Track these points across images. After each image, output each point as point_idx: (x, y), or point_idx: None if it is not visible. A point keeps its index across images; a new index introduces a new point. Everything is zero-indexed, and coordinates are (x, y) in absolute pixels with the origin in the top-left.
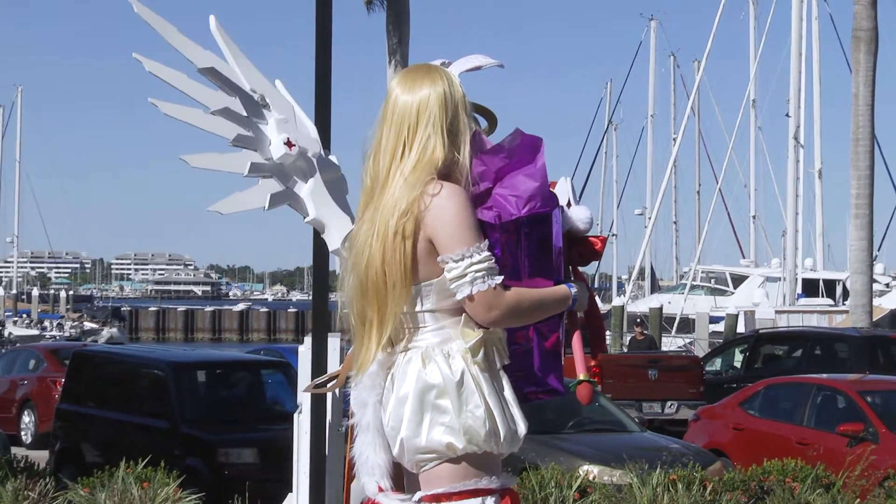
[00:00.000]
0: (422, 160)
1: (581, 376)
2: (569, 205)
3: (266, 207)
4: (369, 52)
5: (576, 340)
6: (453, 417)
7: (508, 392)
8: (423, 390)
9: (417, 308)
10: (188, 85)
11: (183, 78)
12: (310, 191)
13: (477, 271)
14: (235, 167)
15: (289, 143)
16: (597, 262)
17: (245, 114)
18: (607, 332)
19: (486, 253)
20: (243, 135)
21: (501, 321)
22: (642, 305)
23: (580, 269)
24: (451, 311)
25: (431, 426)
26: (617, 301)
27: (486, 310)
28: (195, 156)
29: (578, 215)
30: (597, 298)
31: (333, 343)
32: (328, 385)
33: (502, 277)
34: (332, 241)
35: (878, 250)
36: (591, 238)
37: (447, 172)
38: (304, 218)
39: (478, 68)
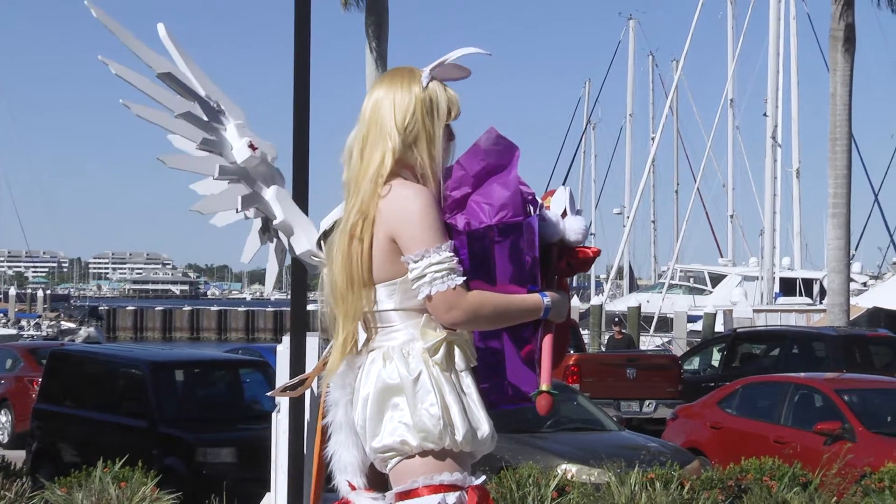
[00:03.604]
0: (379, 163)
1: (543, 387)
2: (564, 214)
3: (238, 209)
4: (349, 51)
5: (545, 350)
6: (408, 415)
7: (473, 393)
8: (383, 390)
9: (384, 307)
10: (153, 89)
11: (147, 82)
12: (274, 194)
13: (437, 271)
14: (208, 169)
15: (252, 146)
16: None
17: (206, 118)
18: (585, 332)
19: (447, 253)
20: (208, 138)
21: (462, 322)
22: (621, 304)
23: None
24: (419, 311)
25: (389, 424)
26: (595, 300)
27: (445, 310)
28: (172, 156)
29: (572, 226)
30: (575, 298)
31: (312, 342)
32: (298, 388)
33: (464, 279)
34: (300, 244)
35: (856, 249)
36: (582, 249)
37: (418, 174)
38: (273, 221)
39: (463, 73)
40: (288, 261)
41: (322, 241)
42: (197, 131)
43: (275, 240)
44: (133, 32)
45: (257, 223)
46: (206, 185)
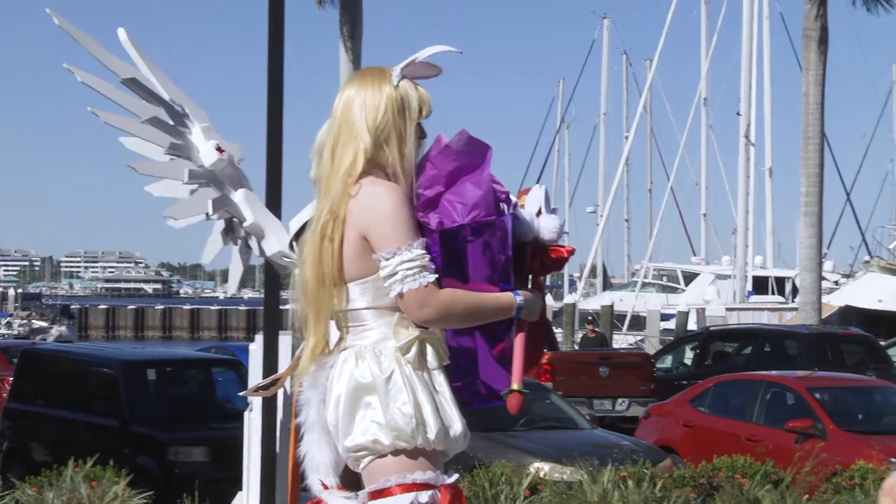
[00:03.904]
0: (350, 163)
1: (514, 386)
2: (539, 213)
3: (210, 212)
4: (324, 50)
5: (517, 348)
6: (380, 414)
7: (446, 391)
8: (355, 389)
9: (356, 306)
10: (118, 95)
11: (112, 88)
12: (243, 196)
13: (408, 269)
14: (177, 174)
15: (219, 149)
16: None
17: (172, 122)
18: (558, 330)
19: (419, 251)
20: (175, 143)
21: (434, 320)
22: (594, 303)
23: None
24: (391, 309)
25: (361, 423)
26: (569, 298)
27: (417, 308)
28: (142, 163)
29: (547, 224)
30: (549, 297)
31: (285, 341)
32: (270, 388)
33: (436, 276)
34: (271, 245)
35: (828, 248)
36: (556, 248)
37: (389, 173)
38: (243, 223)
39: (433, 71)
40: (260, 261)
41: (294, 242)
42: (164, 136)
43: (238, 241)
44: (95, 38)
45: (220, 224)
46: (162, 186)
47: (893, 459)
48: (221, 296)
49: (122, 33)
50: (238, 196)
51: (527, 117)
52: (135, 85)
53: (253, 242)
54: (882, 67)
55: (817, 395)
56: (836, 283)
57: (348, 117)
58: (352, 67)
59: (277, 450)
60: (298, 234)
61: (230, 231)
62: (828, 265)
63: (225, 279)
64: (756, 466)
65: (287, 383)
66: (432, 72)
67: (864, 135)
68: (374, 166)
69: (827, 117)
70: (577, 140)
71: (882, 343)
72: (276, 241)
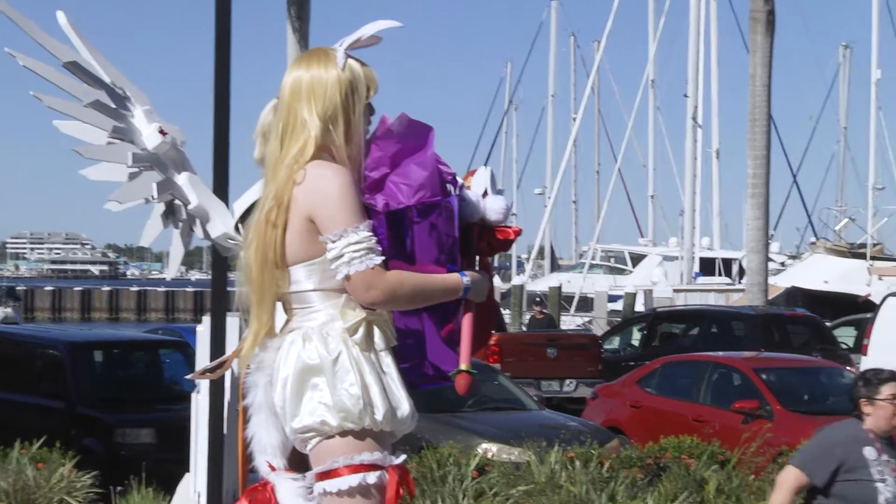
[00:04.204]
0: (299, 150)
1: (462, 366)
2: (485, 194)
3: (155, 196)
4: (270, 32)
5: (465, 329)
6: (327, 395)
7: (393, 372)
8: (302, 371)
9: (303, 288)
10: (60, 79)
11: (54, 71)
12: (187, 179)
13: (355, 251)
14: (121, 157)
15: (162, 132)
16: None
17: (114, 106)
18: (506, 311)
19: (365, 233)
20: (118, 126)
21: (381, 302)
22: (542, 284)
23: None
24: (338, 291)
25: (308, 405)
26: (517, 280)
27: (364, 290)
28: (87, 147)
29: (493, 205)
30: (497, 278)
31: (232, 322)
32: (217, 370)
33: (383, 258)
34: (215, 228)
35: (774, 230)
36: (503, 228)
37: (334, 156)
38: (187, 206)
39: (375, 40)
40: (205, 242)
41: (239, 224)
42: (106, 119)
43: (179, 224)
44: (36, 21)
45: (160, 207)
46: (100, 170)
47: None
48: (168, 278)
49: (61, 17)
50: (182, 179)
51: (475, 99)
52: (76, 68)
53: (197, 225)
54: (828, 50)
55: (763, 376)
56: (783, 264)
57: (296, 102)
58: (299, 49)
59: (225, 431)
60: (245, 216)
61: (171, 214)
62: (774, 247)
63: None
64: (703, 447)
65: (234, 365)
66: (372, 41)
67: (810, 117)
68: (322, 149)
69: (774, 100)
70: (524, 122)
71: (828, 324)
72: (220, 223)
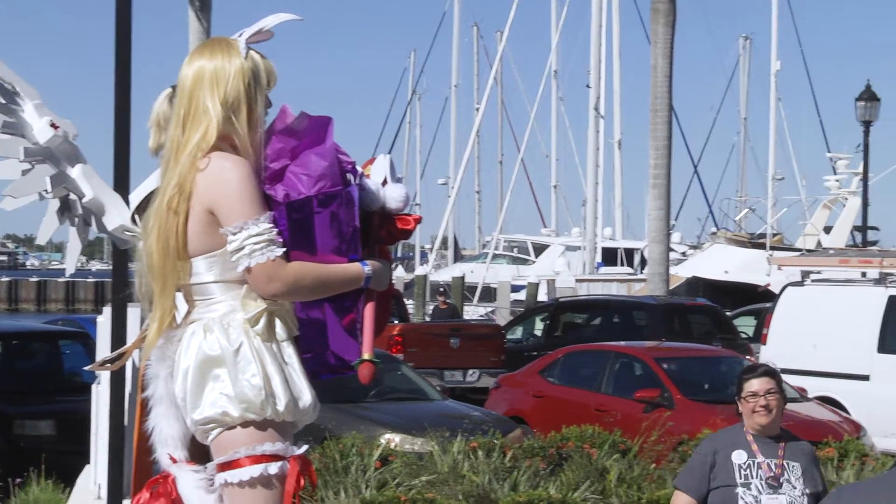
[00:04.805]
0: (201, 137)
1: (365, 356)
2: (385, 183)
3: (48, 189)
4: (172, 18)
5: (367, 318)
6: (229, 386)
7: (295, 362)
8: (203, 362)
9: (204, 280)
10: None
11: None
12: (81, 172)
13: (255, 243)
14: (13, 152)
15: (53, 125)
16: None
17: (3, 101)
18: (409, 302)
19: (266, 225)
20: (8, 121)
21: (283, 294)
22: (445, 275)
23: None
24: (239, 282)
25: (210, 396)
26: (420, 270)
27: (265, 282)
28: None
29: (392, 193)
30: (400, 268)
31: (133, 313)
32: (116, 361)
33: (284, 250)
34: (112, 220)
35: (676, 220)
36: (402, 217)
37: (234, 146)
38: (82, 199)
39: (268, 34)
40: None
41: (137, 215)
42: None
43: (76, 219)
44: None
45: (55, 203)
46: None
47: (707, 432)
48: (67, 273)
49: None
50: (76, 172)
51: (378, 89)
52: None
53: (93, 219)
54: (728, 41)
55: (665, 366)
56: (684, 254)
57: (199, 89)
58: (202, 38)
59: (126, 423)
60: (141, 206)
61: (66, 210)
62: (675, 237)
63: None
64: (604, 436)
65: (135, 356)
66: (266, 36)
67: (711, 108)
68: (222, 139)
69: (675, 90)
70: (428, 112)
71: (728, 313)
72: (116, 215)
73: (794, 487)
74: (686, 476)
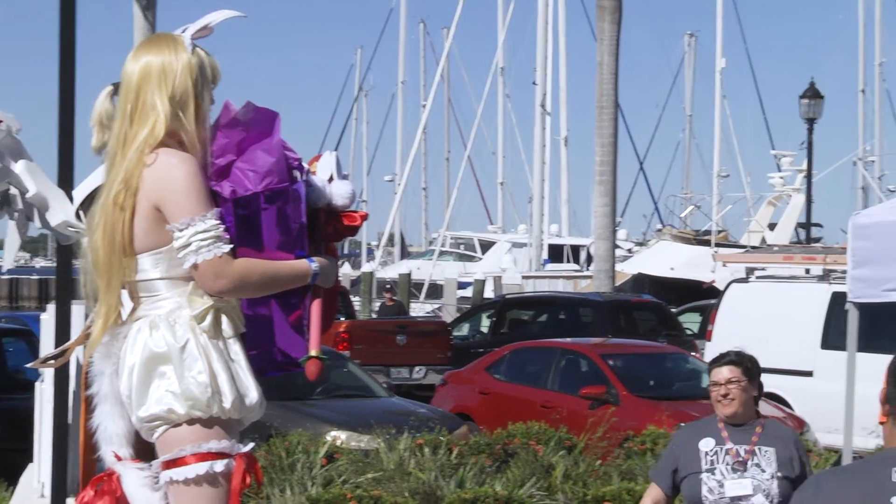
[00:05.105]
0: (148, 132)
1: (312, 352)
2: (331, 179)
3: None
4: (116, 14)
5: (314, 315)
6: (175, 383)
7: (242, 360)
8: (149, 359)
9: (149, 276)
10: None
11: None
12: (25, 167)
13: (202, 240)
14: None
15: None
16: None
17: None
18: (356, 298)
19: (213, 221)
20: None
21: (230, 291)
22: (391, 271)
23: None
24: (185, 279)
25: (155, 393)
26: (366, 267)
27: (212, 279)
28: None
29: (338, 190)
30: (347, 265)
31: (78, 310)
32: (59, 358)
33: (231, 247)
34: (55, 216)
35: (621, 217)
36: (349, 213)
37: (181, 142)
38: (25, 195)
39: (208, 31)
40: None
41: (81, 211)
42: None
43: (15, 214)
44: None
45: None
46: None
47: (682, 424)
48: (4, 269)
49: None
50: (19, 167)
51: (324, 86)
52: None
53: (35, 214)
54: (674, 39)
55: (610, 362)
56: (630, 251)
57: (146, 84)
58: (148, 33)
59: (70, 421)
60: (85, 202)
61: (5, 204)
62: (621, 233)
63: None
64: (550, 433)
65: (79, 353)
66: (205, 33)
67: (656, 105)
68: (169, 135)
69: (621, 87)
70: (374, 108)
71: (673, 310)
72: (60, 211)
73: (763, 471)
74: (656, 467)
